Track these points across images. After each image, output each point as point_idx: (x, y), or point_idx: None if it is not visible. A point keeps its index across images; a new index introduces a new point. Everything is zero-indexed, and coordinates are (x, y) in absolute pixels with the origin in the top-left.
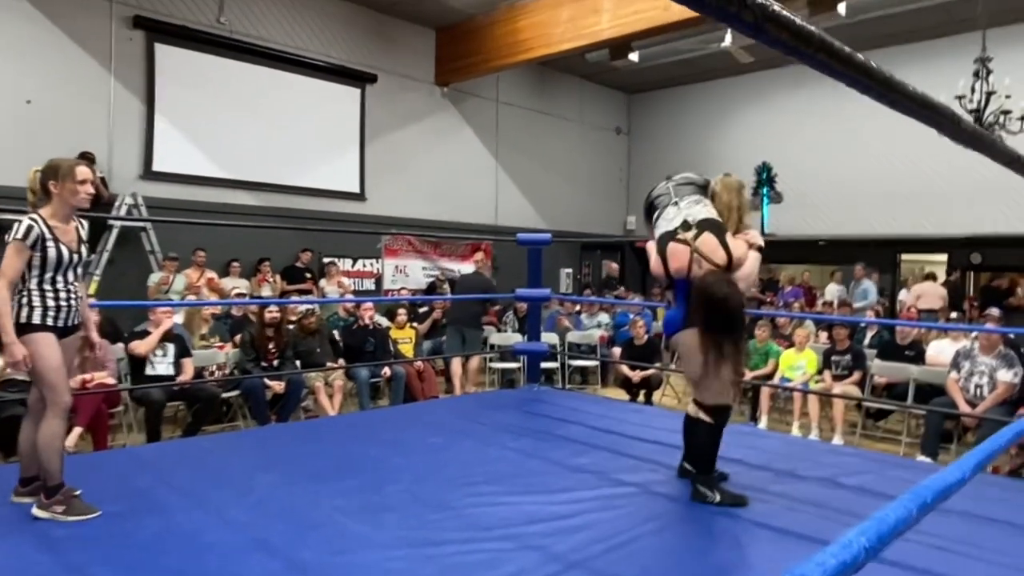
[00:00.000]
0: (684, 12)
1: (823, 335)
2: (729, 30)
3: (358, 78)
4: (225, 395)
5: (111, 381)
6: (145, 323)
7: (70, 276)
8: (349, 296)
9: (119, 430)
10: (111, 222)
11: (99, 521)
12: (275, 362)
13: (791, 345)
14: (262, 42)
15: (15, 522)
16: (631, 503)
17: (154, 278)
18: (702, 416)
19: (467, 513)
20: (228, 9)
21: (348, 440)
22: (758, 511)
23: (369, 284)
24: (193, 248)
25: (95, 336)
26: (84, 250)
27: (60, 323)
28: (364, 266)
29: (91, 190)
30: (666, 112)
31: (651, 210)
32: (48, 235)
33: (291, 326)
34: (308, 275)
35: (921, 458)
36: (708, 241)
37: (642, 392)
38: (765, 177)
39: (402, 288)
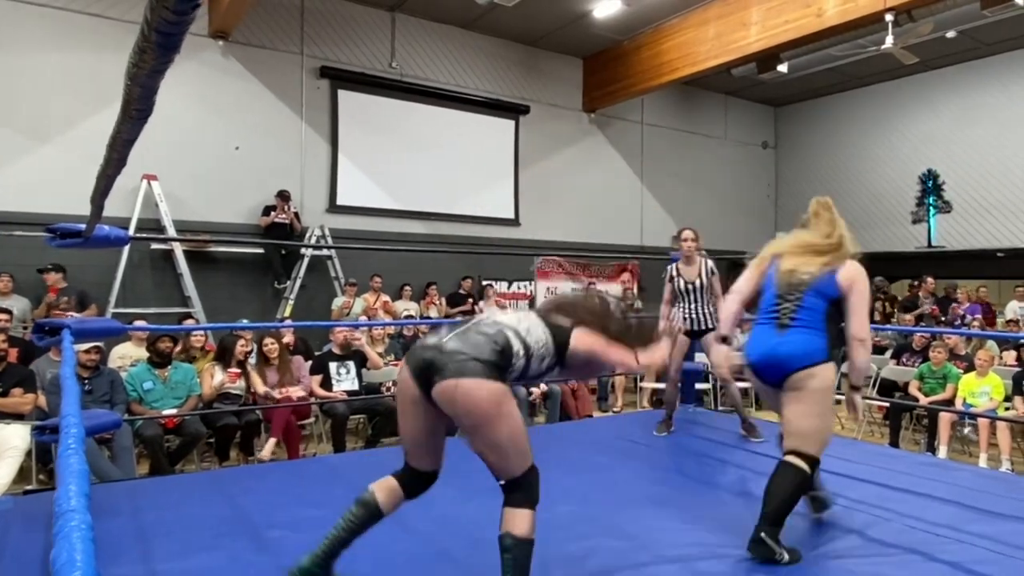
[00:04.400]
0: (840, 16)
1: (1007, 357)
2: (891, 29)
3: (512, 110)
4: None
5: (302, 394)
6: (329, 344)
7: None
8: None
9: (310, 440)
10: (302, 251)
11: (307, 526)
12: None
13: (970, 368)
14: (427, 82)
15: (244, 526)
16: (816, 539)
17: (337, 302)
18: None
19: (640, 536)
20: (398, 55)
21: None
22: (957, 552)
23: (524, 305)
24: (370, 274)
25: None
26: (699, 281)
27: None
28: (519, 288)
29: (690, 245)
30: (816, 123)
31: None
32: (675, 273)
33: None
34: (469, 299)
35: None
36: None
37: None
38: (931, 186)
39: None
